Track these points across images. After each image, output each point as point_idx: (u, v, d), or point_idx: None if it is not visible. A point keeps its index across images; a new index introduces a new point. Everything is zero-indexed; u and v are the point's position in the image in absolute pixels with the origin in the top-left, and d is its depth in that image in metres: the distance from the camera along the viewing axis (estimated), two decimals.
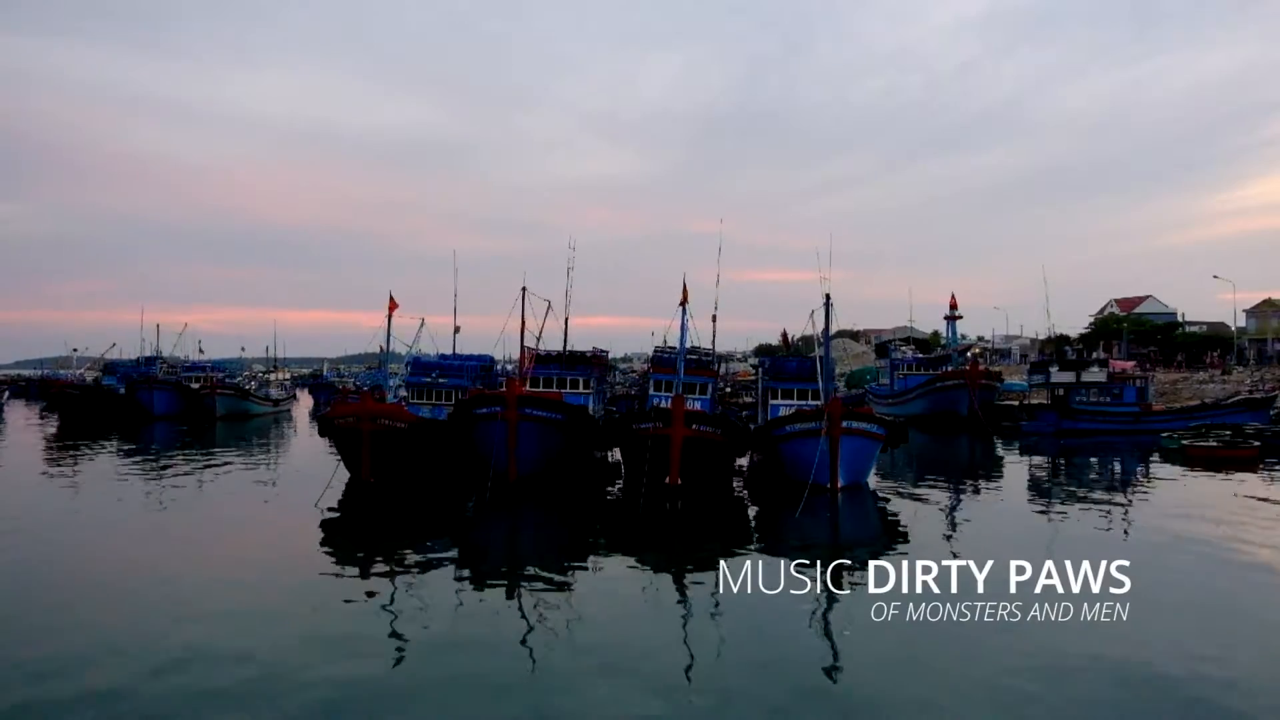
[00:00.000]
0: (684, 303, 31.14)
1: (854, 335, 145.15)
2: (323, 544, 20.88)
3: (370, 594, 15.97)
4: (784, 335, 50.22)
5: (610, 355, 62.60)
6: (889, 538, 22.02)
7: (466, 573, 17.76)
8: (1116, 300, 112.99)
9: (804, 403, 31.53)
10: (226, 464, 36.23)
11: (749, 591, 16.17)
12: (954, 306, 62.18)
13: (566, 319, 39.18)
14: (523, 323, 32.60)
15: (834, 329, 33.84)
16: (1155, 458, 36.41)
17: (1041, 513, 25.21)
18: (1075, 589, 16.33)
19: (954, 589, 16.29)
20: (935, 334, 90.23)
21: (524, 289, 32.85)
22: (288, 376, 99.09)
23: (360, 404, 29.74)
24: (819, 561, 19.12)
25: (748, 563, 18.77)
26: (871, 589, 16.82)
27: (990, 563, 18.33)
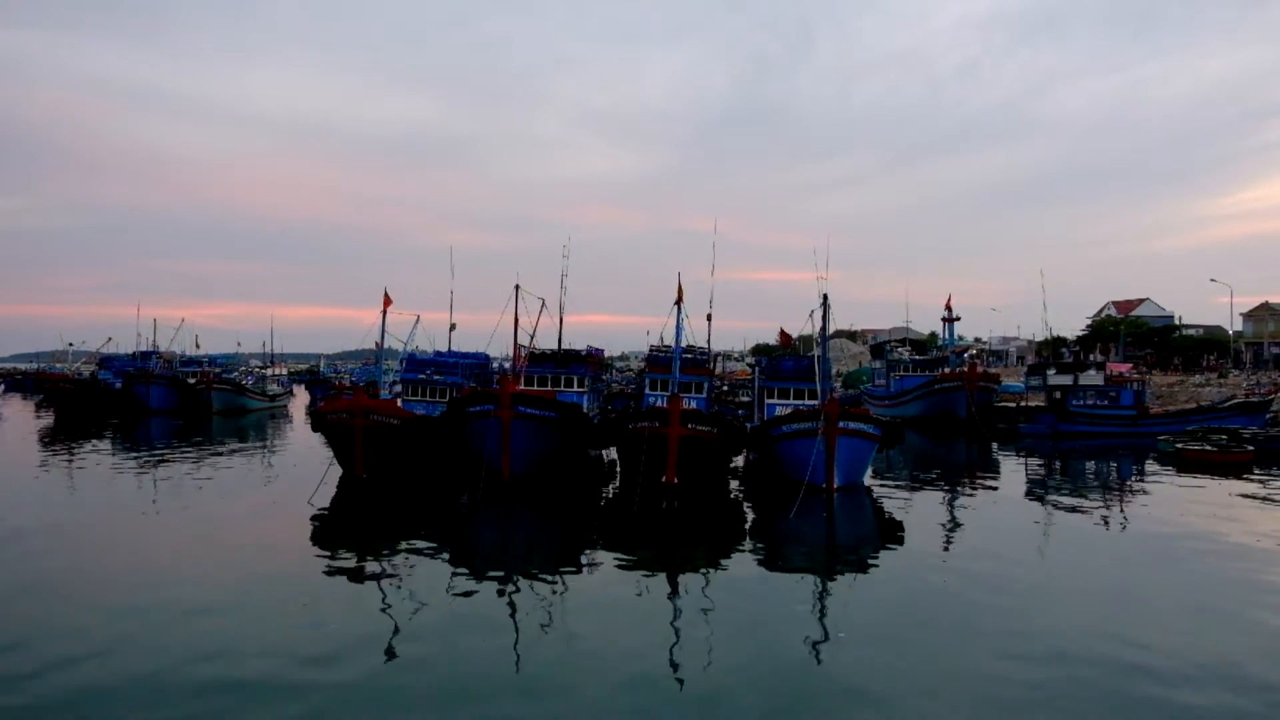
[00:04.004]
0: (679, 301, 31.07)
1: (851, 335, 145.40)
2: (315, 539, 20.78)
3: (361, 592, 15.88)
4: (782, 334, 50.03)
5: (607, 354, 62.56)
6: (885, 539, 21.94)
7: (459, 571, 17.65)
8: (1114, 303, 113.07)
9: (801, 403, 31.48)
10: (221, 459, 36.11)
11: (744, 591, 16.14)
12: (950, 308, 62.20)
13: (561, 317, 39.16)
14: (515, 320, 32.55)
15: (831, 329, 33.79)
16: (1151, 461, 36.39)
17: (1037, 515, 25.12)
18: (1071, 590, 16.34)
19: (949, 589, 16.26)
20: (932, 335, 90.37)
21: (517, 286, 32.81)
22: (284, 372, 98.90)
23: (353, 400, 29.64)
24: (815, 562, 19.07)
25: (744, 562, 18.76)
26: (867, 589, 16.81)
27: (986, 564, 18.35)
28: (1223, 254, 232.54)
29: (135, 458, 36.89)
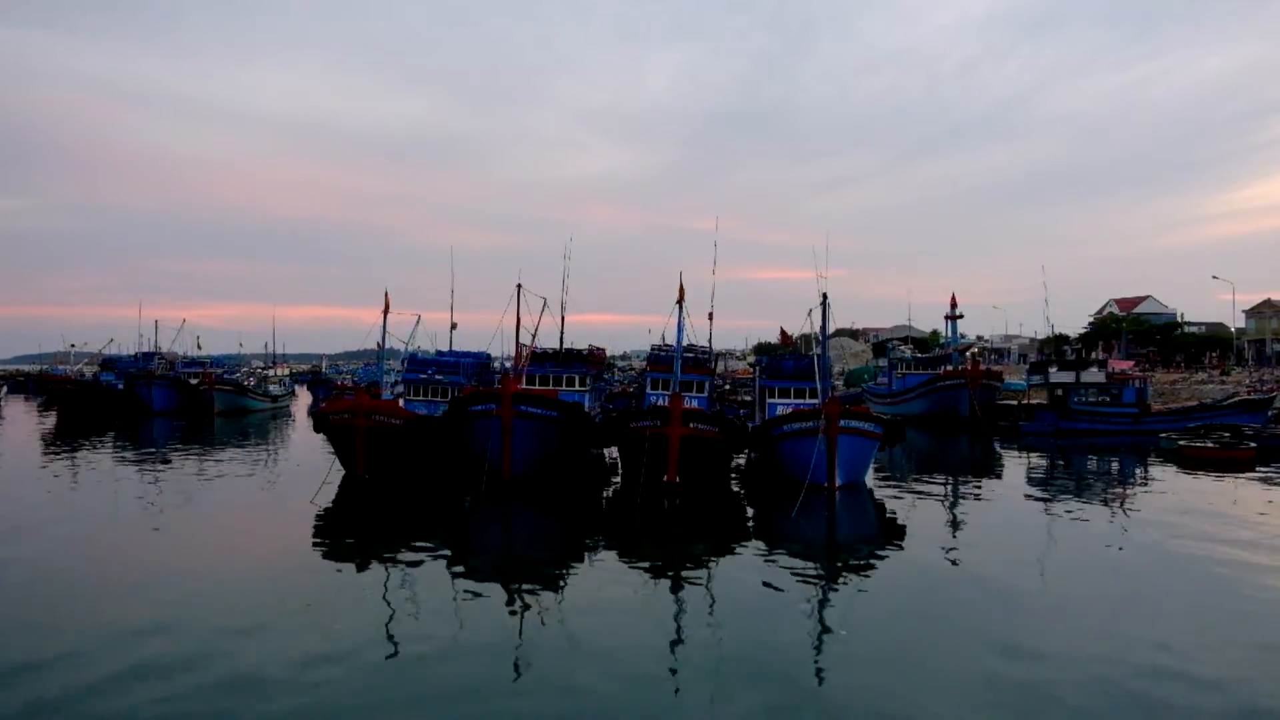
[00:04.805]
0: (680, 300, 31.07)
1: (853, 334, 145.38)
2: (317, 540, 20.82)
3: (363, 591, 15.89)
4: (783, 333, 50.06)
5: (609, 353, 62.67)
6: (886, 537, 21.94)
7: (461, 570, 17.69)
8: (1116, 300, 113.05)
9: (801, 402, 31.49)
10: (224, 460, 36.16)
11: (746, 590, 16.15)
12: (954, 306, 62.13)
13: (563, 316, 39.19)
14: (518, 320, 32.58)
15: (832, 328, 33.81)
16: (1153, 459, 36.36)
17: (1038, 513, 25.11)
18: (1071, 589, 16.35)
19: (950, 588, 16.28)
20: (934, 333, 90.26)
21: (519, 285, 32.83)
22: (287, 372, 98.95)
23: (355, 400, 29.68)
24: (816, 561, 19.07)
25: (745, 562, 18.78)
26: (868, 588, 16.82)
27: (987, 562, 18.37)
28: (1225, 251, 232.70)
29: (138, 459, 36.96)
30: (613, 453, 35.59)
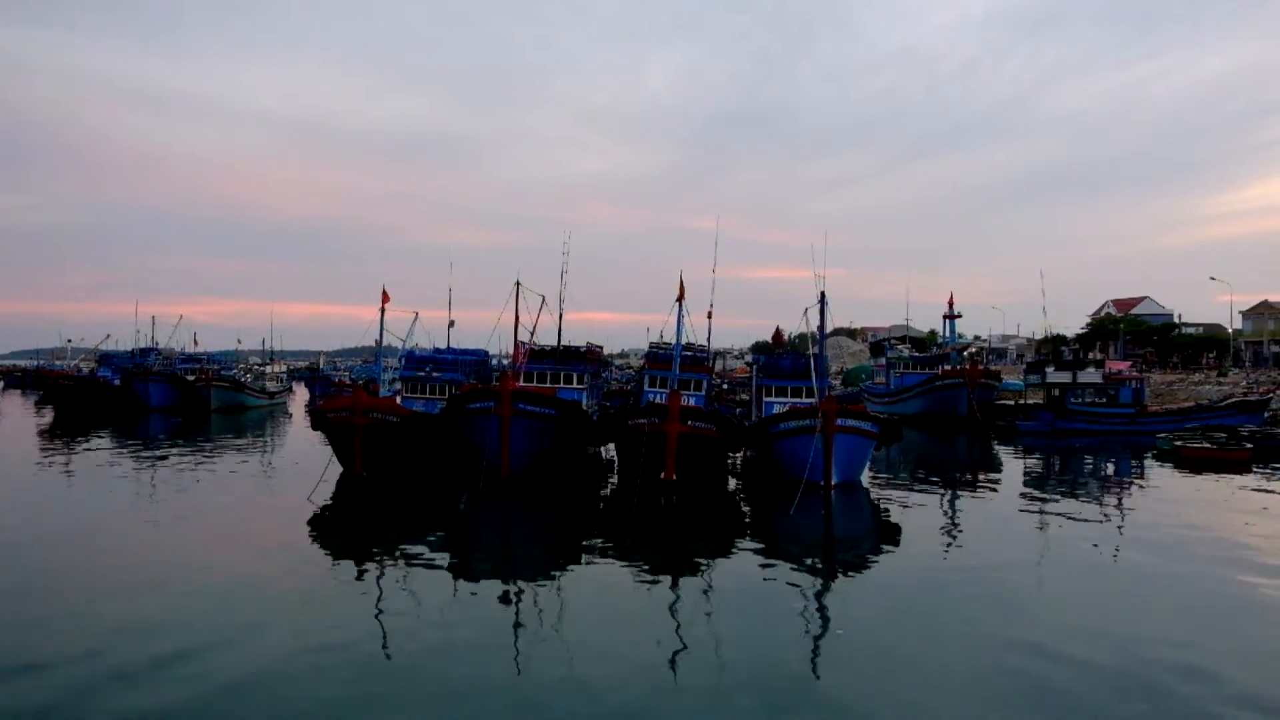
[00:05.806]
0: (680, 299, 31.06)
1: (851, 333, 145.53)
2: (314, 537, 20.80)
3: (361, 589, 15.90)
4: (777, 332, 50.04)
5: (607, 351, 62.62)
6: (883, 536, 21.97)
7: (458, 568, 17.69)
8: (1113, 301, 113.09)
9: (798, 400, 31.50)
10: (221, 457, 36.12)
11: (743, 588, 16.18)
12: (951, 305, 62.16)
13: (561, 314, 39.17)
14: (516, 317, 32.50)
15: (830, 327, 33.81)
16: (1150, 459, 36.41)
17: (1035, 512, 25.14)
18: (1067, 587, 16.38)
19: (947, 587, 16.30)
20: (932, 332, 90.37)
21: (517, 283, 32.76)
22: (284, 369, 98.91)
23: (353, 398, 29.64)
24: (813, 558, 19.10)
25: (742, 559, 18.81)
26: (865, 586, 16.85)
27: (983, 561, 18.41)
28: (1223, 252, 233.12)
29: (134, 455, 36.90)
30: (610, 450, 35.61)
